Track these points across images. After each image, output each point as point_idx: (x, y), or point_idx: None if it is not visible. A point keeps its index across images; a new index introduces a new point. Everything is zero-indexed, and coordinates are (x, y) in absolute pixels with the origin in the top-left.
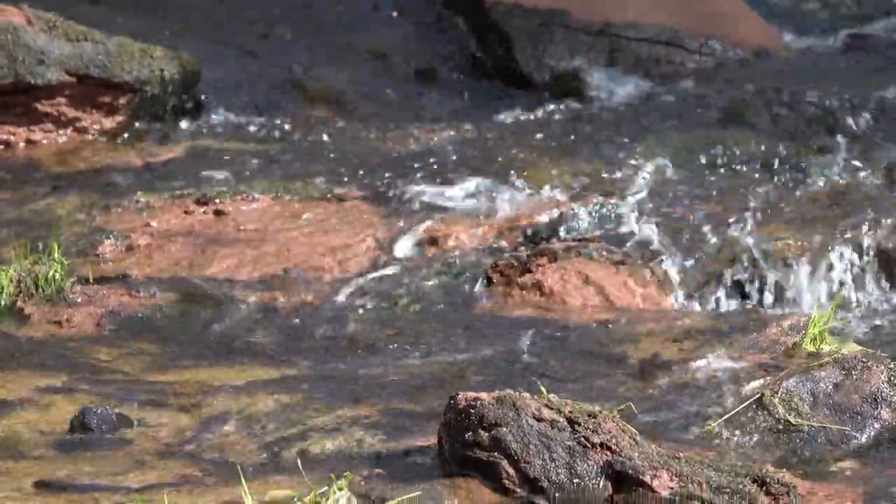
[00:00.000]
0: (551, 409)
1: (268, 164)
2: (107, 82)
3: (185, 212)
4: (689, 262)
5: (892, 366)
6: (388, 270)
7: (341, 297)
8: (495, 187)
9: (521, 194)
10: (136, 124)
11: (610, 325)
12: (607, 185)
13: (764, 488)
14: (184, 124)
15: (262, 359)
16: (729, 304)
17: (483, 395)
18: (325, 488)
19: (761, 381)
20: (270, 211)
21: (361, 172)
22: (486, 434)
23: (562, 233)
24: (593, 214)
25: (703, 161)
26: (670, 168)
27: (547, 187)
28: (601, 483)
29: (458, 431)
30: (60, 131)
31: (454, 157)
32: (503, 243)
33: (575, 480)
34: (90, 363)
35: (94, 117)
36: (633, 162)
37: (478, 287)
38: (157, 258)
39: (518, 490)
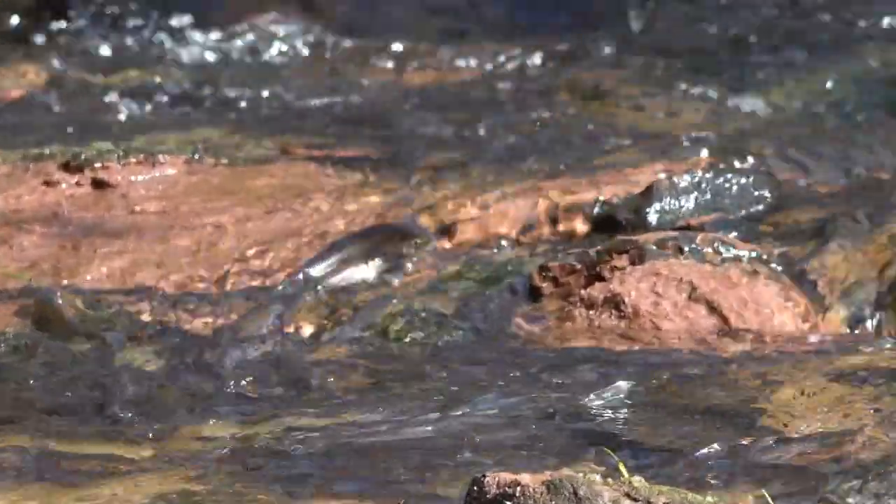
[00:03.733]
0: (636, 500)
1: (179, 104)
2: None
3: (46, 182)
4: (855, 266)
5: None
6: (374, 277)
7: (300, 322)
8: (543, 140)
9: (585, 149)
10: None
11: (729, 365)
12: (726, 136)
13: None
14: (46, 39)
15: (172, 423)
16: None
17: (526, 476)
18: None
19: None
20: (184, 181)
21: (333, 121)
22: None
23: (652, 216)
24: (704, 185)
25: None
26: (823, 112)
27: (628, 137)
28: None
29: None
30: None
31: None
32: (556, 233)
33: None
34: None
35: None
36: (769, 98)
37: (517, 303)
38: (0, 258)
39: None
